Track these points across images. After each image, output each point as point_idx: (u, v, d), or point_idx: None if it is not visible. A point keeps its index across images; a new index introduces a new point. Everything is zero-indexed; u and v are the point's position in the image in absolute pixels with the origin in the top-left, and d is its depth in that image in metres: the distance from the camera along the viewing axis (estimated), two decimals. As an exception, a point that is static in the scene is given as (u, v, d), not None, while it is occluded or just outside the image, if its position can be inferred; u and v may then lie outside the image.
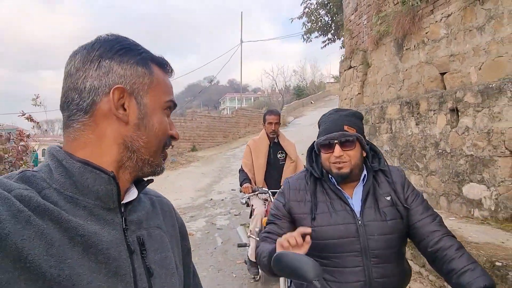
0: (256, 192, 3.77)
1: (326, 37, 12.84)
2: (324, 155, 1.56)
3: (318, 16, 12.15)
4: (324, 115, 1.65)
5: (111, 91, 0.71)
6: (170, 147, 0.83)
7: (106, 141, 0.72)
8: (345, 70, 8.17)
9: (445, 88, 5.27)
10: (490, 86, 4.29)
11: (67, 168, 0.68)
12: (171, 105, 0.81)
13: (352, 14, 7.98)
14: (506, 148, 4.08)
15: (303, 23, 12.31)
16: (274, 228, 1.60)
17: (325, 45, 12.96)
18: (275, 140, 4.08)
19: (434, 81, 5.47)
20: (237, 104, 39.07)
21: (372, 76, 7.20)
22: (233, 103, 51.34)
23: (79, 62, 0.72)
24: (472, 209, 4.57)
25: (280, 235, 1.44)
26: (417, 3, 5.66)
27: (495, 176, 4.22)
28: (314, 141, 1.67)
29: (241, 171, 4.11)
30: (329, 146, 1.53)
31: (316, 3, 11.99)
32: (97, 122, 0.71)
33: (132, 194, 0.77)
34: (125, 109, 0.72)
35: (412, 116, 5.73)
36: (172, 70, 0.84)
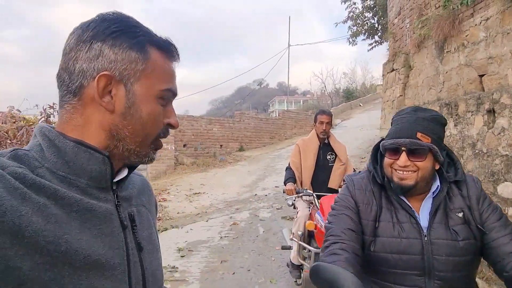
0: (300, 194, 3.57)
1: (373, 40, 12.94)
2: (387, 160, 1.37)
3: (365, 19, 12.31)
4: (399, 112, 1.44)
5: (96, 78, 0.69)
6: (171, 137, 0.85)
7: (93, 127, 0.71)
8: (388, 73, 8.33)
9: (483, 90, 5.37)
10: (526, 87, 4.39)
11: (60, 147, 0.67)
12: (169, 95, 0.77)
13: (396, 17, 8.14)
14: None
15: (349, 26, 12.53)
16: (341, 226, 1.34)
17: (372, 48, 13.07)
18: (326, 141, 3.92)
19: (473, 83, 5.57)
20: (286, 107, 39.45)
21: (414, 78, 7.34)
22: (282, 105, 51.72)
23: (73, 42, 0.71)
24: (506, 208, 4.66)
25: (353, 232, 1.32)
26: (457, 6, 5.79)
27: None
28: (381, 139, 1.48)
29: (288, 169, 3.95)
30: (395, 151, 1.33)
31: (362, 7, 12.17)
32: (85, 106, 0.70)
33: (122, 173, 0.78)
34: (111, 97, 0.70)
35: (451, 117, 5.85)
36: (177, 54, 0.79)
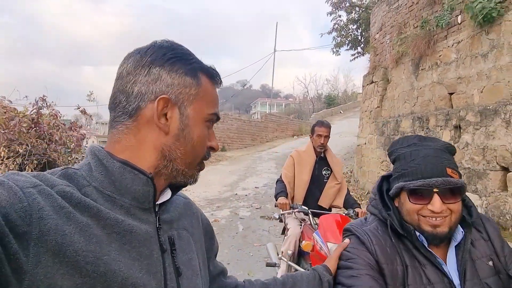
0: (295, 210, 3.24)
1: (356, 51, 13.46)
2: (412, 206, 1.14)
3: (349, 31, 12.84)
4: (402, 143, 1.23)
5: (156, 100, 0.72)
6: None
7: (146, 147, 0.73)
8: (367, 84, 8.79)
9: (451, 107, 5.84)
10: (488, 107, 4.86)
11: (107, 167, 0.69)
12: (214, 118, 0.80)
13: (377, 33, 8.61)
14: (497, 163, 4.64)
15: (333, 37, 13.03)
16: None
17: (354, 58, 13.59)
18: (322, 155, 3.65)
19: (443, 100, 6.04)
20: (268, 109, 39.87)
21: (391, 91, 7.80)
22: (264, 108, 52.12)
23: (131, 66, 0.74)
24: (466, 216, 5.12)
25: None
26: (433, 28, 6.25)
27: (486, 187, 4.79)
28: (382, 176, 1.31)
29: (279, 181, 3.61)
30: (424, 195, 1.11)
31: (347, 19, 12.70)
32: (140, 127, 0.72)
33: (166, 195, 0.79)
34: (167, 119, 0.73)
35: (422, 130, 6.31)
36: (221, 81, 0.83)
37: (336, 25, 12.81)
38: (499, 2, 4.87)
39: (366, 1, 12.44)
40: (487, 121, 4.84)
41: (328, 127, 3.59)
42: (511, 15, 4.73)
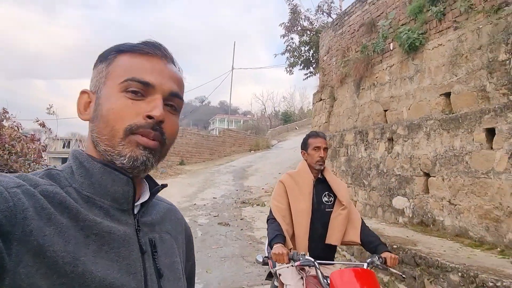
0: (297, 264, 2.22)
1: (308, 70, 14.42)
2: None
3: (301, 52, 13.82)
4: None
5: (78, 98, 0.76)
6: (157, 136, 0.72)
7: (89, 141, 0.75)
8: (317, 102, 9.59)
9: (386, 122, 6.67)
10: (414, 122, 5.69)
11: (88, 168, 0.71)
12: (134, 85, 0.71)
13: (325, 55, 9.48)
14: (421, 170, 5.44)
15: (287, 57, 13.95)
16: None
17: (307, 77, 14.56)
18: (320, 176, 2.77)
19: (379, 116, 6.87)
20: (226, 125, 40.40)
21: (337, 108, 8.62)
22: (223, 124, 52.61)
23: None
24: (398, 217, 5.89)
25: None
26: (371, 53, 7.13)
27: (413, 191, 5.57)
28: None
29: (272, 220, 2.62)
30: None
31: (299, 41, 13.70)
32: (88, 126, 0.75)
33: (144, 196, 0.79)
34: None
35: (363, 142, 7.10)
36: (152, 47, 0.75)
37: (289, 47, 13.75)
38: (421, 34, 5.77)
39: (316, 25, 13.51)
40: (413, 134, 5.66)
41: (325, 137, 2.79)
42: (430, 44, 5.63)
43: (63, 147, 35.43)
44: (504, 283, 2.86)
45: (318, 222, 2.62)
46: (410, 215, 5.61)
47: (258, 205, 9.28)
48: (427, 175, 5.35)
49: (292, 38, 13.85)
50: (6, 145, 6.48)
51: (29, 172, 0.77)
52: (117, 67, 0.73)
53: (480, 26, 4.71)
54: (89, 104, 0.75)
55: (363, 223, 2.68)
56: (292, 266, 2.26)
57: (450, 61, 5.20)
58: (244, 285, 4.43)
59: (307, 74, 14.34)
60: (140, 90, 0.71)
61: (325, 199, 2.70)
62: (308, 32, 13.51)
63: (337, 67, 8.63)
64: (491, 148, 4.31)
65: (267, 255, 2.59)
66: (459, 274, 3.37)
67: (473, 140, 4.56)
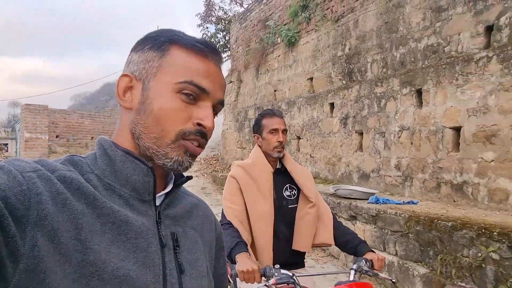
0: (272, 282, 1.66)
1: (226, 54, 16.01)
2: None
3: (217, 39, 15.33)
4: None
5: (118, 78, 0.72)
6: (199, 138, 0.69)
7: (124, 129, 0.71)
8: (228, 83, 11.31)
9: (275, 100, 8.58)
10: (291, 100, 7.62)
11: (111, 156, 0.68)
12: (191, 89, 0.68)
13: (234, 43, 11.18)
14: (295, 135, 7.40)
15: (205, 43, 15.32)
16: None
17: (224, 61, 16.14)
18: (279, 166, 2.16)
19: (271, 95, 8.76)
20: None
21: (243, 89, 10.42)
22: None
23: None
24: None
25: None
26: (266, 44, 8.93)
27: (290, 150, 7.54)
28: None
29: (228, 225, 1.99)
30: None
31: (215, 29, 15.24)
32: (121, 111, 0.73)
33: (167, 188, 0.75)
34: (132, 96, 0.70)
35: (260, 116, 8.98)
36: (210, 51, 0.71)
37: (205, 35, 15.19)
38: (296, 32, 7.66)
39: (229, 15, 15.11)
40: (291, 108, 7.60)
41: (282, 116, 2.20)
42: (302, 41, 7.53)
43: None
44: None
45: (281, 223, 2.07)
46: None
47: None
48: (299, 138, 7.34)
49: (207, 27, 15.35)
50: None
51: None
52: (174, 62, 0.69)
53: (329, 31, 6.68)
54: (129, 90, 0.70)
55: (335, 219, 2.19)
56: (266, 286, 1.72)
57: (313, 55, 7.15)
58: None
59: (224, 57, 15.94)
60: (194, 93, 0.68)
61: (286, 193, 2.14)
62: (223, 21, 15.05)
63: (242, 54, 10.37)
64: (332, 116, 6.34)
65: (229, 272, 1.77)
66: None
67: (323, 111, 6.57)
